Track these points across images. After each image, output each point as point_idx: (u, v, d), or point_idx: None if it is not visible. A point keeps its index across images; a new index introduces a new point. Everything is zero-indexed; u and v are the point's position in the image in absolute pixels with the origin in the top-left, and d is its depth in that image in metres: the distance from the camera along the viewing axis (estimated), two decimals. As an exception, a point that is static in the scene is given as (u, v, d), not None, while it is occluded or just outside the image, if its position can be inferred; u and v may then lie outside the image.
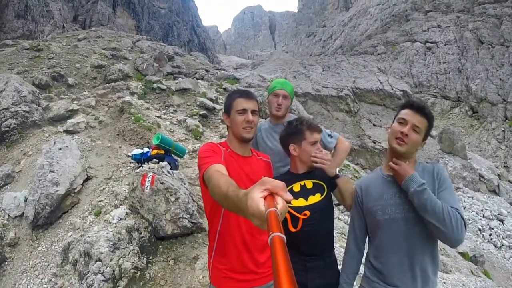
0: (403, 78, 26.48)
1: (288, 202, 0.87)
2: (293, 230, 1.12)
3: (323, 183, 2.06)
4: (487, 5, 29.76)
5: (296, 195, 2.02)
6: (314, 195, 2.02)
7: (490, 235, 10.49)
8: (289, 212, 0.95)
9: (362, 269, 2.09)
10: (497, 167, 17.86)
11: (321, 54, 39.14)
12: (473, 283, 6.01)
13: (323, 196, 2.02)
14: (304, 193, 2.03)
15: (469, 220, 11.11)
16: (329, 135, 2.61)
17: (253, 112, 1.93)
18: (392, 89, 19.12)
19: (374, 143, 16.28)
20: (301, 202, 2.00)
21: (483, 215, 11.56)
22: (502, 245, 10.01)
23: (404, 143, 1.77)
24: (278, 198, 0.85)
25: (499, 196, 14.14)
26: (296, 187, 2.05)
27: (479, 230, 10.73)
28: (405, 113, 1.81)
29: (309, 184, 2.05)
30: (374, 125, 17.24)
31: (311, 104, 18.13)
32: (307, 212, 1.11)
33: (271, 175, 2.10)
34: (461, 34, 28.93)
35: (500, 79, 25.03)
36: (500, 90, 24.56)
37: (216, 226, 1.86)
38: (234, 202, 1.06)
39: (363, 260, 2.05)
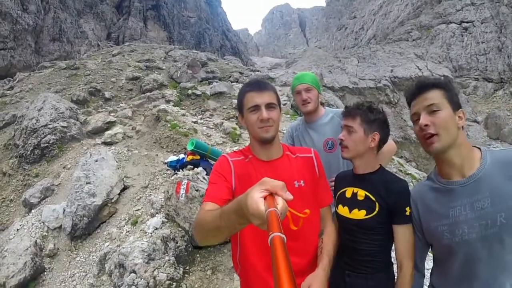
0: (441, 63, 24.73)
1: (288, 201, 0.87)
2: (293, 228, 0.96)
3: (375, 200, 1.66)
4: (522, -23, 27.09)
5: (344, 201, 1.76)
6: (359, 210, 1.68)
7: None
8: (290, 211, 0.92)
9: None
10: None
11: (355, 46, 37.84)
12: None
13: (367, 216, 1.66)
14: (352, 203, 1.72)
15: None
16: None
17: (269, 106, 1.53)
18: (432, 74, 18.02)
19: (418, 133, 15.36)
20: (344, 212, 1.74)
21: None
22: None
23: (434, 137, 1.35)
24: (278, 198, 0.86)
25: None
26: (349, 192, 1.76)
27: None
28: (412, 105, 1.47)
29: (361, 194, 1.71)
30: (417, 115, 16.25)
31: (349, 98, 17.51)
32: (307, 211, 0.94)
33: (312, 172, 1.69)
34: (497, 10, 26.50)
35: (544, 55, 22.67)
36: (545, 67, 22.24)
37: (236, 253, 1.65)
38: (234, 208, 1.00)
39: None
